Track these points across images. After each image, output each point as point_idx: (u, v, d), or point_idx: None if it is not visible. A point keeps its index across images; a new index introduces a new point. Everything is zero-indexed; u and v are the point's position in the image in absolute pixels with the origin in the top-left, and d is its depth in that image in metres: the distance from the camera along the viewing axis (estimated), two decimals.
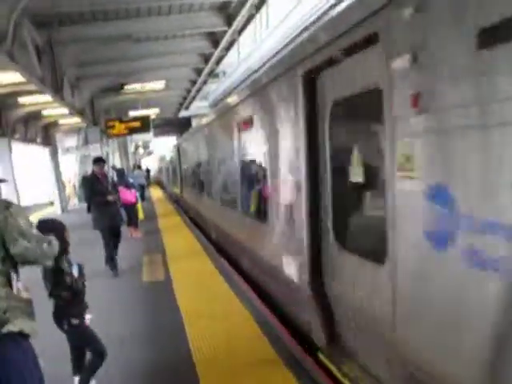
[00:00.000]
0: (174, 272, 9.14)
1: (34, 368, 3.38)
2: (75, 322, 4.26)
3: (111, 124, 18.85)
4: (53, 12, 9.72)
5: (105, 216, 9.16)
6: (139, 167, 31.11)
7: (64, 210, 23.99)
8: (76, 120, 17.79)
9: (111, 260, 9.39)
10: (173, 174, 25.64)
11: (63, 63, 11.48)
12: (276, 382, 4.42)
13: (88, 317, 4.36)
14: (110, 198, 9.21)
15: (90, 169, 22.05)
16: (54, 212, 22.81)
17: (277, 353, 4.99)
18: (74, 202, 28.24)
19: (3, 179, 3.79)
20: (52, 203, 25.57)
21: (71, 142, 26.95)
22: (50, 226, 4.12)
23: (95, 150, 17.93)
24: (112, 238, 9.45)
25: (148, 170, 39.53)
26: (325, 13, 11.91)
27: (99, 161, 9.63)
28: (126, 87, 16.97)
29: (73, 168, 30.01)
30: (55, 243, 3.48)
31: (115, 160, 26.43)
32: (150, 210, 19.91)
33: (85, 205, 14.04)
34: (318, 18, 11.41)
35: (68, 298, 4.24)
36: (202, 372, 4.78)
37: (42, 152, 23.20)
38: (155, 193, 32.59)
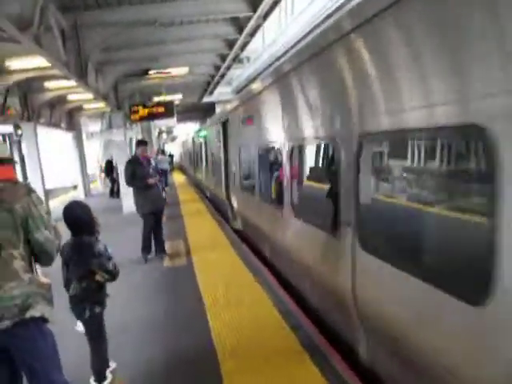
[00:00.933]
0: (195, 258, 9.17)
1: (54, 354, 3.40)
2: (98, 309, 4.25)
3: (135, 109, 18.85)
4: None
5: (146, 200, 9.16)
6: (163, 152, 31.21)
7: (87, 194, 24.25)
8: (100, 105, 17.86)
9: (145, 248, 9.38)
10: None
11: (88, 48, 11.47)
12: (299, 373, 4.40)
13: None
14: (151, 181, 9.17)
15: (113, 153, 22.20)
16: (78, 196, 23.08)
17: (300, 344, 4.97)
18: (99, 185, 28.52)
19: (14, 159, 3.78)
20: (75, 187, 25.84)
21: (95, 126, 27.16)
22: (77, 211, 4.15)
23: (118, 135, 17.94)
24: (153, 225, 9.41)
25: (171, 155, 39.65)
26: (347, 1, 11.76)
27: (142, 143, 9.58)
28: (150, 72, 16.93)
29: (96, 152, 30.29)
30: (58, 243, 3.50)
31: None
32: (172, 196, 20.03)
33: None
34: (341, 6, 11.24)
35: (106, 281, 4.22)
36: (223, 361, 4.78)
37: (67, 136, 23.44)
38: (178, 178, 32.68)
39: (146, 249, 9.39)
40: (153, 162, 9.62)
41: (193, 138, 27.56)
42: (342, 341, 5.01)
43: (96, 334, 4.33)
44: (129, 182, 9.27)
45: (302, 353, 4.73)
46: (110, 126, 20.01)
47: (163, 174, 18.10)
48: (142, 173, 9.09)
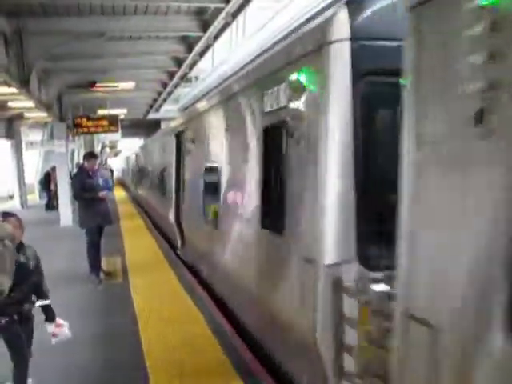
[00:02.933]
0: (132, 276, 9.02)
1: None
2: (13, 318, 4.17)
3: (79, 121, 18.53)
4: (23, 1, 9.51)
5: (95, 214, 8.74)
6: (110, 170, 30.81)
7: (24, 204, 23.48)
8: (42, 114, 17.44)
9: (95, 265, 8.90)
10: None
11: (32, 55, 11.20)
12: None
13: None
14: (103, 193, 8.92)
15: (52, 165, 21.61)
16: (14, 206, 22.31)
17: (231, 363, 4.95)
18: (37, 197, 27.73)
19: None
20: (12, 197, 25.00)
21: (36, 136, 26.48)
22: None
23: (60, 146, 17.54)
24: (99, 240, 9.04)
25: (111, 170, 39.13)
26: (300, 26, 12.01)
27: (91, 156, 9.33)
28: (96, 85, 16.69)
29: (35, 163, 29.47)
30: None
31: (80, 158, 25.96)
32: (113, 211, 19.66)
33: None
34: (293, 30, 11.47)
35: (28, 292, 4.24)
36: (154, 379, 4.71)
37: (5, 145, 22.74)
38: (119, 194, 32.18)
39: (95, 266, 8.94)
40: (105, 175, 9.41)
41: (137, 154, 27.11)
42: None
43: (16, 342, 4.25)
44: (78, 195, 8.95)
45: (233, 374, 4.72)
46: (52, 136, 19.58)
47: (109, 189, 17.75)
48: (91, 185, 8.84)
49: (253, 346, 5.39)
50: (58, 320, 4.48)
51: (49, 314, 4.44)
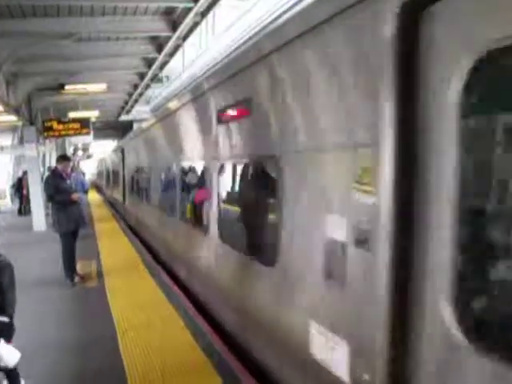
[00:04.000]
0: (108, 279, 8.95)
1: None
2: None
3: (49, 124, 18.31)
4: None
5: (69, 217, 8.63)
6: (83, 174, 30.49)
7: None
8: (11, 118, 17.16)
9: (69, 269, 8.80)
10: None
11: None
12: None
13: None
14: (75, 196, 8.81)
15: (23, 168, 21.28)
16: None
17: (211, 364, 4.96)
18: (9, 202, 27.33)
19: None
20: None
21: (6, 140, 26.05)
22: None
23: (31, 150, 17.29)
24: (73, 243, 8.93)
25: (83, 173, 38.78)
26: (269, 24, 12.08)
27: (64, 158, 9.19)
28: (66, 87, 16.51)
29: (6, 168, 29.01)
30: None
31: (52, 161, 25.66)
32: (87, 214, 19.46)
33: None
34: (262, 29, 11.53)
35: None
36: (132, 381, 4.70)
37: None
38: (93, 197, 31.90)
39: (70, 270, 8.81)
40: (81, 177, 9.34)
41: (106, 159, 27.60)
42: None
43: None
44: (51, 197, 8.77)
45: (213, 374, 4.74)
46: (22, 140, 19.30)
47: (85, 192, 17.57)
48: (64, 188, 8.74)
49: (232, 346, 5.41)
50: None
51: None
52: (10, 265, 4.19)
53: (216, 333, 5.82)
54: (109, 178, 29.10)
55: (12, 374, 4.21)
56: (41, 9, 10.31)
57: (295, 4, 10.55)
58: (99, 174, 41.33)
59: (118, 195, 21.58)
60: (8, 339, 4.04)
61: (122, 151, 18.69)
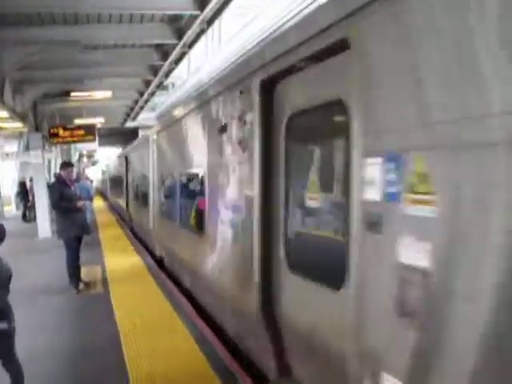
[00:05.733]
0: (113, 286, 8.95)
1: None
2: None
3: (55, 131, 18.39)
4: None
5: (73, 224, 8.66)
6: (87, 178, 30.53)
7: (0, 216, 23.18)
8: (17, 125, 17.24)
9: (74, 275, 8.80)
10: None
11: (5, 65, 11.12)
12: None
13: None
14: (80, 203, 8.83)
15: (28, 175, 21.35)
16: None
17: (213, 370, 4.95)
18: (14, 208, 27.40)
19: None
20: None
21: (12, 147, 26.14)
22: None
23: (36, 157, 17.35)
24: (78, 250, 8.95)
25: (91, 181, 38.86)
26: (274, 32, 12.06)
27: (67, 165, 9.22)
28: (72, 94, 16.58)
29: (12, 174, 29.10)
30: None
31: (57, 168, 25.70)
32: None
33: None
34: (268, 36, 11.54)
35: None
36: None
37: None
38: (98, 203, 31.99)
39: (75, 276, 8.83)
40: (87, 185, 9.38)
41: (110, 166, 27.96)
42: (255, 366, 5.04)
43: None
44: (56, 204, 8.81)
45: (216, 381, 4.72)
46: (28, 147, 19.37)
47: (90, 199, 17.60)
48: (69, 195, 8.75)
49: (236, 353, 5.40)
50: None
51: None
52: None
53: (219, 340, 5.82)
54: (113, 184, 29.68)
55: (17, 377, 4.22)
56: (47, 17, 10.36)
57: (300, 11, 10.59)
58: (105, 180, 41.21)
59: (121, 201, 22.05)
60: None
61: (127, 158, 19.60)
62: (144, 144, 13.47)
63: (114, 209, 27.25)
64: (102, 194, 42.74)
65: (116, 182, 26.32)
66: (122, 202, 21.89)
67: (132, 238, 15.02)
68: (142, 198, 14.19)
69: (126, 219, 20.16)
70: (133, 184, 17.28)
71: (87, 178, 28.71)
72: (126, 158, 19.87)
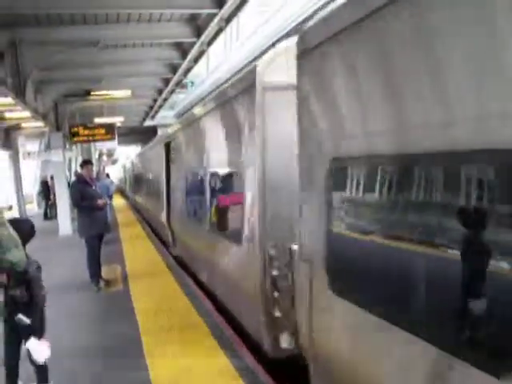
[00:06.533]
0: (133, 284, 8.99)
1: None
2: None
3: (75, 130, 18.55)
4: (15, 12, 9.51)
5: (94, 223, 8.70)
6: (107, 175, 30.81)
7: (23, 215, 23.44)
8: (39, 124, 17.45)
9: (95, 274, 8.84)
10: None
11: (27, 65, 11.24)
12: None
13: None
14: (101, 202, 8.89)
15: (50, 173, 21.59)
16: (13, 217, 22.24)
17: (235, 369, 4.95)
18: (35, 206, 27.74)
19: None
20: (11, 208, 24.99)
21: (33, 146, 26.44)
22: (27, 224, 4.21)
23: (57, 156, 17.54)
24: (99, 248, 9.00)
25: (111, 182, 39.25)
26: (292, 30, 12.06)
27: (87, 163, 9.25)
28: (91, 93, 16.72)
29: (34, 173, 29.46)
30: None
31: (78, 166, 25.97)
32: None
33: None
34: (286, 34, 11.51)
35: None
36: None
37: (2, 155, 22.72)
38: (118, 201, 32.19)
39: (96, 275, 8.87)
40: (107, 183, 9.41)
41: (131, 164, 27.61)
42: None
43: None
44: (77, 203, 8.87)
45: (237, 378, 4.72)
46: (49, 146, 19.58)
47: (110, 197, 17.74)
48: (90, 193, 8.80)
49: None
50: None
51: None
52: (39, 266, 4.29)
53: (240, 337, 5.81)
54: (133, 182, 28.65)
55: (41, 370, 4.30)
56: (67, 17, 10.47)
57: (319, 9, 10.55)
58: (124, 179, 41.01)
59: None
60: (38, 336, 4.09)
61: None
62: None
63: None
64: (121, 192, 42.86)
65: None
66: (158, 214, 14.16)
67: (151, 235, 15.07)
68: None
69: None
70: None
71: (107, 176, 28.97)
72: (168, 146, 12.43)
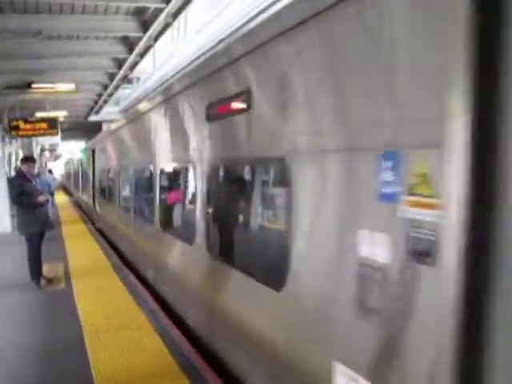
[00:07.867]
0: (76, 282, 8.80)
1: None
2: None
3: (15, 124, 17.92)
4: None
5: (35, 219, 8.47)
6: (50, 171, 29.99)
7: None
8: None
9: (36, 272, 8.60)
10: None
11: None
12: None
13: None
14: (42, 198, 8.63)
15: None
16: None
17: (181, 368, 4.90)
18: None
19: None
20: None
21: None
22: None
23: None
24: (40, 246, 8.74)
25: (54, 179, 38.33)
26: (241, 26, 12.04)
27: (28, 160, 9.00)
28: (33, 86, 16.18)
29: None
30: None
31: (18, 162, 25.14)
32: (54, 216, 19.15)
33: None
34: (235, 31, 11.49)
35: None
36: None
37: None
38: (60, 199, 31.48)
39: (36, 272, 8.64)
40: (49, 179, 9.17)
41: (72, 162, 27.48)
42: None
43: None
44: (16, 200, 8.62)
45: (181, 377, 4.67)
46: None
47: (51, 193, 17.24)
48: (30, 190, 8.55)
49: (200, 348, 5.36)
50: None
51: None
52: None
53: (185, 336, 5.76)
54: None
55: None
56: (6, 4, 10.06)
57: (268, 6, 10.57)
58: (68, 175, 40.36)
59: None
60: None
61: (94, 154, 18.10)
62: None
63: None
64: (64, 189, 41.86)
65: None
66: None
67: (96, 233, 14.77)
68: None
69: None
70: None
71: (50, 172, 28.18)
72: None
